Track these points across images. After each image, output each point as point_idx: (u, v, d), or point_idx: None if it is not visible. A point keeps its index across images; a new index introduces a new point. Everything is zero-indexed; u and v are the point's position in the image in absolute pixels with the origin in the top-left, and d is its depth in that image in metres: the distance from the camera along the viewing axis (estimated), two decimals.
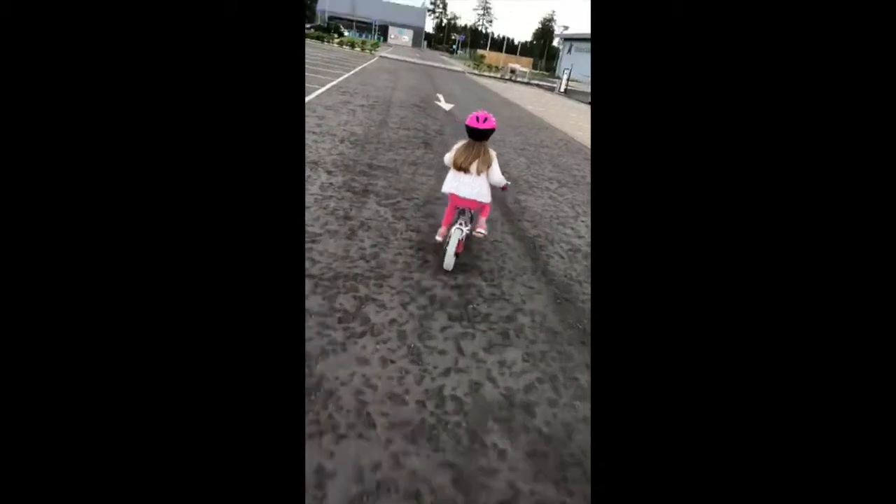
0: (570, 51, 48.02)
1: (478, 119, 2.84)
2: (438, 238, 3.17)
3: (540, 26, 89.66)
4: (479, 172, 2.88)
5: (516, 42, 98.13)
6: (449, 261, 3.01)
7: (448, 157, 3.00)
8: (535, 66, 54.40)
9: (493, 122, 2.84)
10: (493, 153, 2.94)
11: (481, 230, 3.07)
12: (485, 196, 2.94)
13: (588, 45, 42.35)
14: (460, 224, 3.01)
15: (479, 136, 2.88)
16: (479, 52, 58.43)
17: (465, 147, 2.91)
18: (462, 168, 2.88)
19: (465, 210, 3.07)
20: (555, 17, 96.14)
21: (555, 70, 48.88)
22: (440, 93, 14.26)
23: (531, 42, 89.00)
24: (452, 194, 2.97)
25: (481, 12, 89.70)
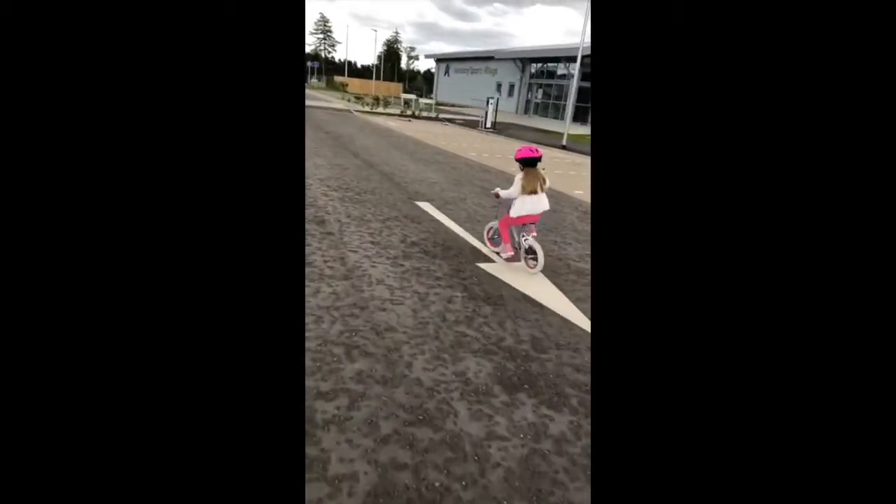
0: (447, 72, 41.95)
1: (531, 150, 3.76)
2: (506, 254, 4.03)
3: (385, 48, 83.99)
4: (542, 190, 3.75)
5: (359, 66, 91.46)
6: (542, 262, 3.71)
7: (514, 191, 3.74)
8: (405, 93, 47.75)
9: (541, 151, 3.86)
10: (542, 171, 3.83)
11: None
12: (547, 205, 3.82)
13: (471, 66, 36.69)
14: (527, 236, 3.82)
15: (535, 163, 3.74)
16: (338, 79, 49.70)
17: (528, 175, 3.71)
18: (532, 192, 3.70)
19: (526, 223, 3.83)
20: (399, 38, 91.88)
21: (427, 92, 42.38)
22: (397, 177, 6.14)
23: (377, 65, 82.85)
24: (523, 216, 3.76)
25: (321, 36, 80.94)
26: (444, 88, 41.32)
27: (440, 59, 42.70)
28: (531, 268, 3.77)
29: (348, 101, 26.22)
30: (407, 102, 24.95)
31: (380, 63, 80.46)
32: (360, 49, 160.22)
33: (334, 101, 26.15)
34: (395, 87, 46.22)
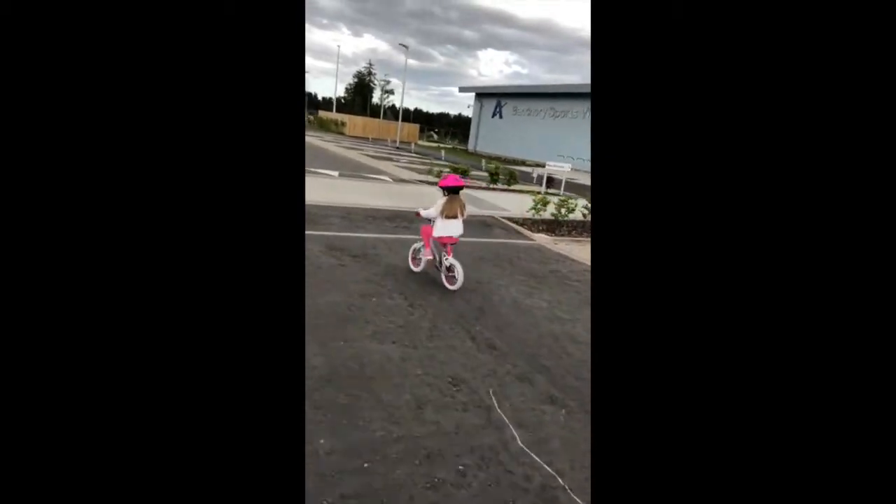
0: (497, 113, 29.52)
1: (456, 179, 4.23)
2: (425, 258, 4.42)
3: (356, 81, 71.75)
4: (461, 215, 4.21)
5: (320, 98, 78.34)
6: (461, 279, 4.09)
7: (434, 211, 4.17)
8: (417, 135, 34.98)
9: (463, 181, 4.36)
10: (463, 199, 4.19)
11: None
12: (462, 229, 4.29)
13: (551, 105, 24.53)
14: (447, 256, 4.23)
15: (457, 191, 4.20)
16: (327, 115, 36.04)
17: (450, 201, 4.12)
18: (452, 216, 4.13)
19: (446, 244, 4.24)
20: (373, 70, 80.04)
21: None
22: None
23: (347, 98, 70.30)
24: (444, 236, 4.19)
25: None
26: (492, 135, 28.95)
27: (485, 94, 30.28)
28: (451, 284, 4.13)
29: (434, 172, 12.83)
30: (550, 179, 12.09)
31: (350, 97, 68.17)
32: (317, 82, 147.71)
33: (378, 163, 12.83)
34: (412, 130, 33.38)
